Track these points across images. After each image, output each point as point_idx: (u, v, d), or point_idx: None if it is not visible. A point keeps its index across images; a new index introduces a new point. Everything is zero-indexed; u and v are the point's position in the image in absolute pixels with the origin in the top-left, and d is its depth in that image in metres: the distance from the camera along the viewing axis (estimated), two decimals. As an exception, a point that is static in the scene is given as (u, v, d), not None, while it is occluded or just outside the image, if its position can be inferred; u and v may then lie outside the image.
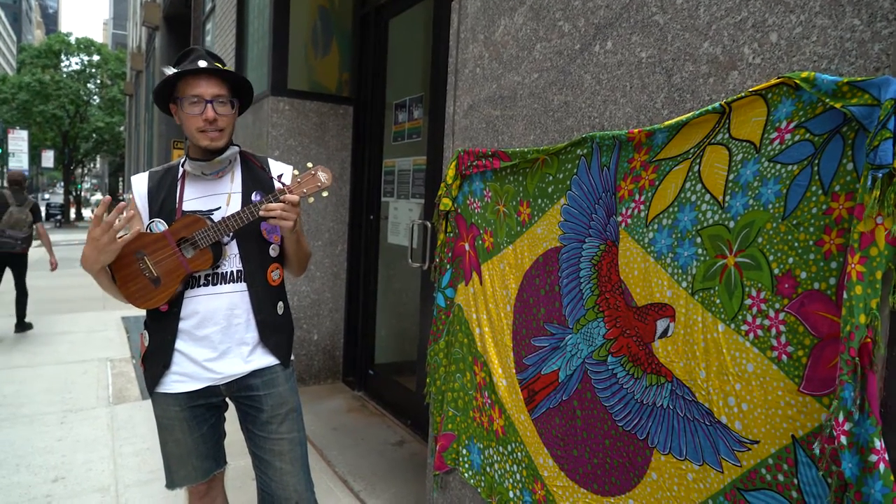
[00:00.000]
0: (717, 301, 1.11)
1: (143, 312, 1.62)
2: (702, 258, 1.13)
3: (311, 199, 1.56)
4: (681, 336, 1.19)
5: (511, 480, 1.71)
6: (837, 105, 0.90)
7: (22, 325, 5.61)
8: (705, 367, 1.14)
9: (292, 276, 1.75)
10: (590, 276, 1.42)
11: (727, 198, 1.09)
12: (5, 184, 5.59)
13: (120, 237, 1.47)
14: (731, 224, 1.08)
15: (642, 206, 1.26)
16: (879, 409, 0.87)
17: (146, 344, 1.60)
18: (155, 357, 1.58)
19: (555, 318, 1.53)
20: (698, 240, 1.14)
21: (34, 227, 5.46)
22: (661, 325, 1.23)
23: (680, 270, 1.18)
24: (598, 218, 1.39)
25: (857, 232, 0.86)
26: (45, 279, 8.29)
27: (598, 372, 1.40)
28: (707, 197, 1.12)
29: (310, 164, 1.57)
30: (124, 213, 1.46)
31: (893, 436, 0.88)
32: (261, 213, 1.48)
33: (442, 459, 1.97)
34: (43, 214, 6.21)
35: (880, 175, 0.83)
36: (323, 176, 1.53)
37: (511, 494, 1.70)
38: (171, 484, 1.64)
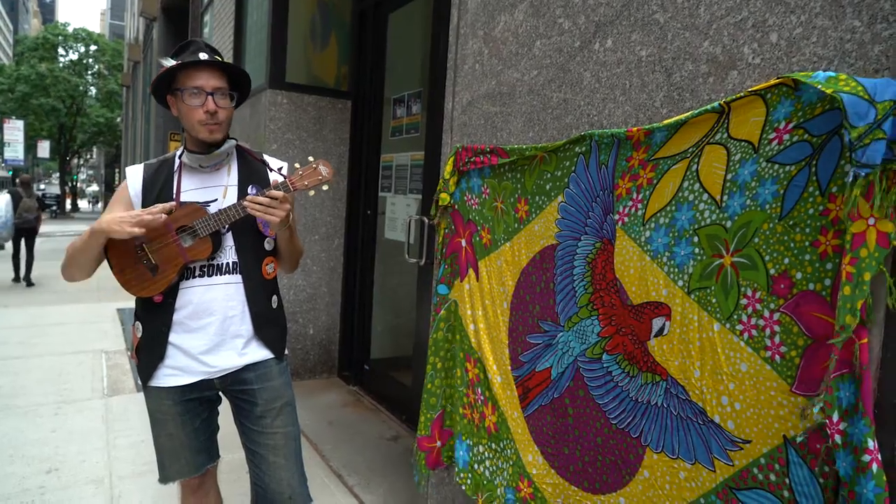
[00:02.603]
0: (714, 300, 1.11)
1: (138, 304, 1.62)
2: (698, 257, 1.14)
3: (312, 193, 1.58)
4: (676, 335, 1.19)
5: (500, 478, 1.71)
6: (828, 91, 0.87)
7: (29, 281, 8.09)
8: (700, 366, 1.14)
9: (284, 272, 1.75)
10: (584, 273, 1.42)
11: (725, 197, 1.09)
12: (18, 182, 8.58)
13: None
14: (729, 224, 1.08)
15: (640, 205, 1.26)
16: (873, 410, 0.87)
17: (139, 335, 1.60)
18: (148, 349, 1.57)
19: (548, 315, 1.53)
20: (695, 239, 1.14)
21: (38, 211, 8.30)
22: (656, 323, 1.24)
23: (676, 269, 1.18)
24: (594, 216, 1.39)
25: (851, 233, 0.87)
26: (38, 269, 8.30)
27: (592, 370, 1.40)
28: (705, 196, 1.12)
29: (311, 158, 1.58)
30: (155, 217, 1.45)
31: (886, 436, 0.89)
32: (244, 204, 1.48)
33: (439, 456, 1.97)
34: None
35: (863, 174, 0.83)
36: (324, 170, 1.53)
37: (499, 492, 1.71)
38: (164, 478, 1.64)
